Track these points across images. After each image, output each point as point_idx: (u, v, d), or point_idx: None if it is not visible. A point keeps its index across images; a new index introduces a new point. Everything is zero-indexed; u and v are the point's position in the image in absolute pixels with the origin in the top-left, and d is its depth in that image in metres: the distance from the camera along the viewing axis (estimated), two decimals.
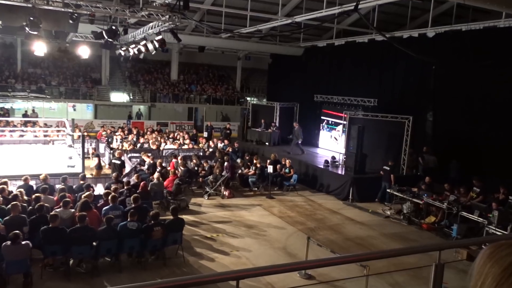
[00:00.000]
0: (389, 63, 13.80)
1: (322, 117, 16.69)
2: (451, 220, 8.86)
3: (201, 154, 13.83)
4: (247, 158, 13.27)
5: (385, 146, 12.46)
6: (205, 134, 17.83)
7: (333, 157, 13.63)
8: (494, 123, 10.54)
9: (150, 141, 13.77)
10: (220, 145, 15.18)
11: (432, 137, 12.88)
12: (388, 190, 11.13)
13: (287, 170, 12.11)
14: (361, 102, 14.48)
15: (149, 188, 8.15)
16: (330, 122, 16.19)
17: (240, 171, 12.35)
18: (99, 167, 10.22)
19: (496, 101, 10.44)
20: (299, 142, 14.96)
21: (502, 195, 8.64)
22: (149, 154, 11.00)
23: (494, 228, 7.52)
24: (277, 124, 17.62)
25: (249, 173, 12.12)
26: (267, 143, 17.01)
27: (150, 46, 10.25)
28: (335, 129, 15.97)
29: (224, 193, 10.95)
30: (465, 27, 10.97)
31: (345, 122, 13.67)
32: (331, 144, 16.39)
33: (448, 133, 12.24)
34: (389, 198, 11.18)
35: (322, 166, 12.96)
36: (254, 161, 12.48)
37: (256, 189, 11.79)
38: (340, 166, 13.12)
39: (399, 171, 12.18)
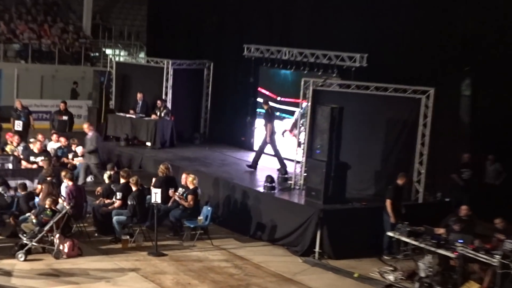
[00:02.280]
0: None
1: (260, 90, 18.13)
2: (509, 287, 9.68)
3: (10, 168, 14.25)
4: (109, 174, 13.69)
5: (385, 147, 13.55)
6: (17, 126, 17.92)
7: (282, 171, 14.77)
8: None
9: None
10: (52, 147, 15.79)
11: (471, 127, 14.33)
12: (389, 234, 11.76)
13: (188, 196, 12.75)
14: (336, 60, 15.52)
15: None
16: (276, 100, 17.46)
17: (96, 202, 13.02)
18: None
19: None
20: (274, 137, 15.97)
21: None
22: None
23: None
24: (168, 105, 18.93)
25: (114, 206, 12.56)
26: (148, 144, 18.38)
27: None
28: (284, 117, 17.38)
29: (61, 247, 11.39)
30: None
31: (304, 103, 14.46)
32: (277, 145, 17.41)
33: (502, 119, 13.64)
34: (389, 246, 12.18)
35: (261, 189, 13.95)
36: (123, 181, 12.86)
37: (128, 237, 12.40)
38: (297, 187, 14.14)
39: (409, 194, 13.23)
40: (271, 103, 16.95)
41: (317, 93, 14.13)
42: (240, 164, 16.69)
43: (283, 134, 17.39)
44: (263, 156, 16.28)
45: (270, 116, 16.13)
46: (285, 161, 15.57)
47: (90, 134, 15.58)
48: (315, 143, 13.26)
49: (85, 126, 16.12)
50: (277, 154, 15.95)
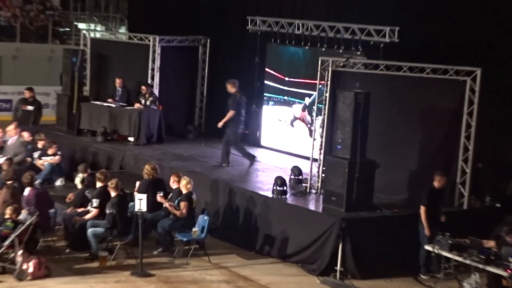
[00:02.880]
0: None
1: (267, 71, 18.50)
2: None
3: None
4: (82, 177, 13.85)
5: (421, 141, 13.69)
6: None
7: (295, 171, 14.78)
8: None
9: None
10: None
11: None
12: (427, 248, 11.94)
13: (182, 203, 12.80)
14: (361, 34, 15.67)
15: None
16: (283, 81, 17.96)
17: (67, 211, 13.15)
18: None
19: None
20: (239, 131, 16.31)
21: None
22: None
23: None
24: (155, 92, 19.19)
25: (89, 216, 12.66)
26: (131, 139, 18.53)
27: None
28: (298, 102, 17.70)
29: (25, 266, 11.37)
30: None
31: (322, 84, 14.57)
32: (289, 140, 17.68)
33: None
34: (426, 263, 12.32)
35: (269, 194, 14.07)
36: (99, 185, 12.96)
37: (107, 253, 12.48)
38: (313, 191, 14.39)
39: (452, 199, 13.36)
40: (276, 85, 17.27)
41: (338, 75, 14.27)
42: (244, 163, 16.80)
43: (292, 123, 17.49)
44: (272, 154, 16.33)
45: (238, 103, 16.29)
46: (299, 160, 15.72)
47: (13, 139, 15.67)
48: (335, 137, 13.34)
49: (10, 128, 16.06)
50: (226, 149, 16.35)
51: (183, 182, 13.09)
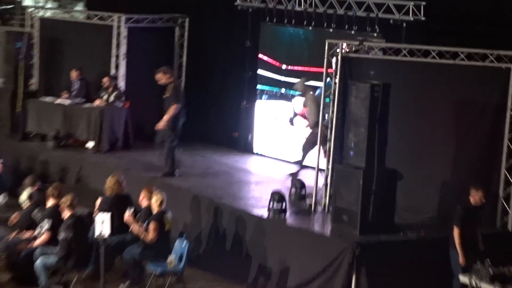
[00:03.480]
0: None
1: (260, 57, 18.80)
2: None
3: None
4: (29, 193, 13.91)
5: (453, 144, 13.75)
6: None
7: (297, 184, 14.91)
8: None
9: None
10: None
11: None
12: (461, 279, 11.75)
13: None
14: (379, 12, 15.74)
15: None
16: (280, 70, 18.24)
17: (9, 237, 13.24)
18: None
19: None
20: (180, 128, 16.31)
21: None
22: None
23: None
24: (121, 85, 19.37)
25: (38, 241, 12.69)
26: (91, 144, 18.68)
27: None
28: (292, 95, 17.99)
29: None
30: None
31: (329, 73, 14.58)
32: (288, 144, 17.95)
33: None
34: None
35: (264, 212, 14.04)
36: (51, 202, 12.97)
37: None
38: (319, 209, 14.50)
39: (493, 218, 13.34)
40: (272, 75, 17.30)
41: (349, 63, 14.32)
42: (233, 173, 16.86)
43: (291, 121, 17.65)
44: (267, 162, 16.33)
45: (180, 94, 16.50)
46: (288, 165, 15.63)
47: None
48: (346, 140, 13.35)
49: None
50: (169, 152, 16.42)
51: (154, 198, 13.00)
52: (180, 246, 12.90)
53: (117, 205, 13.15)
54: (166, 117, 15.98)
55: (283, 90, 18.04)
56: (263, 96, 18.80)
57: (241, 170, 16.91)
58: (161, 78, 16.46)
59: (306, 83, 16.71)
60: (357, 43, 14.50)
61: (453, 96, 13.84)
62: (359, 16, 15.88)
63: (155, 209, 12.99)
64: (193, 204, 14.69)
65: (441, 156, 13.85)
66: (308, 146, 16.27)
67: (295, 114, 17.62)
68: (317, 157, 14.70)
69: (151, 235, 12.65)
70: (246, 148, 18.52)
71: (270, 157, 17.82)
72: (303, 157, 16.41)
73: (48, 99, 19.60)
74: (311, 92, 16.69)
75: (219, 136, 19.52)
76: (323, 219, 14.04)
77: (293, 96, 17.92)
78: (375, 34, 15.63)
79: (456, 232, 12.18)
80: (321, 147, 14.73)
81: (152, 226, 12.65)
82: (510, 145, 13.33)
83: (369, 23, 15.76)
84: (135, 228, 12.84)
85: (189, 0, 20.57)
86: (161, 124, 16.07)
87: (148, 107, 19.71)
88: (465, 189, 12.65)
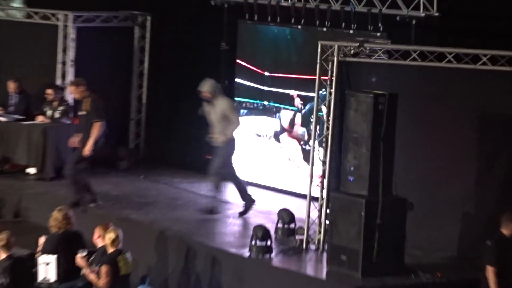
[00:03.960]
0: None
1: (238, 63, 18.83)
2: None
3: None
4: None
5: (477, 165, 13.64)
6: None
7: (284, 216, 14.86)
8: None
9: None
10: None
11: None
12: None
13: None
14: (383, 7, 15.59)
15: None
16: (263, 78, 18.22)
17: None
18: None
19: None
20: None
21: None
22: None
23: None
24: (68, 98, 19.17)
25: None
26: (32, 170, 18.55)
27: None
28: (285, 108, 18.04)
29: None
30: None
31: (324, 81, 14.47)
32: (274, 167, 18.04)
33: None
34: None
35: (245, 252, 13.99)
36: None
37: None
38: (312, 247, 14.37)
39: None
40: (252, 84, 17.33)
41: (347, 68, 14.31)
42: (206, 204, 16.64)
43: (277, 137, 17.68)
44: (250, 190, 16.23)
45: (98, 110, 16.41)
46: (290, 199, 15.53)
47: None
48: (345, 163, 13.29)
49: None
50: (77, 182, 16.34)
51: (108, 236, 12.79)
52: None
53: (65, 244, 12.93)
54: (91, 141, 16.02)
55: (266, 103, 17.86)
56: (242, 111, 18.58)
57: (216, 200, 16.63)
58: (75, 91, 16.57)
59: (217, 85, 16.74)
60: (356, 44, 14.35)
61: (474, 108, 13.72)
62: (358, 12, 15.88)
63: (109, 249, 12.80)
64: (158, 242, 14.59)
65: (461, 180, 13.74)
66: (221, 167, 16.28)
67: (282, 129, 17.47)
68: (309, 183, 14.56)
69: (102, 280, 12.44)
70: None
71: (252, 183, 17.59)
72: (218, 186, 16.54)
73: None
74: (225, 98, 16.72)
75: (189, 159, 19.45)
76: (317, 259, 14.00)
77: (278, 109, 17.82)
78: (379, 34, 15.58)
79: (490, 272, 11.91)
80: (312, 170, 14.56)
81: (103, 269, 12.41)
82: None
83: (371, 21, 15.75)
84: (87, 272, 12.64)
85: None
86: (87, 149, 16.09)
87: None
88: (495, 219, 12.58)
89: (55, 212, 13.52)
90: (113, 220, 13.87)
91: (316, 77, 14.40)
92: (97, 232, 13.18)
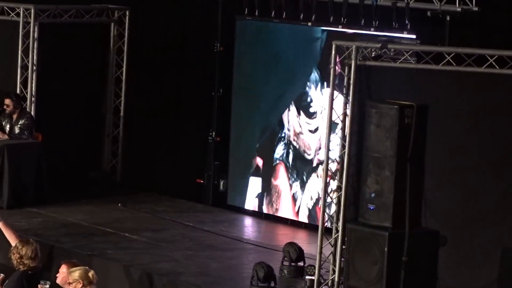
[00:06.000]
0: None
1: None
2: None
3: None
4: None
5: None
6: None
7: (291, 252, 15.03)
8: None
9: None
10: None
11: None
12: None
13: None
14: (410, 1, 15.74)
15: None
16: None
17: None
18: None
19: None
20: None
21: None
22: None
23: None
24: (30, 109, 19.52)
25: None
26: None
27: None
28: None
29: None
30: None
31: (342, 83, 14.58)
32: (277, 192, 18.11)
33: None
34: None
35: None
36: None
37: None
38: None
39: None
40: None
41: (368, 74, 14.41)
42: (197, 238, 16.90)
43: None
44: (247, 219, 16.36)
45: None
46: (297, 231, 15.65)
47: None
48: (364, 189, 13.35)
49: None
50: None
51: (73, 276, 12.86)
52: None
53: (28, 284, 13.04)
54: None
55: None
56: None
57: (208, 232, 16.80)
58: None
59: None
60: (378, 45, 14.45)
61: None
62: (381, 6, 16.00)
63: None
64: (141, 283, 14.66)
65: (504, 211, 13.72)
66: None
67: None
68: (322, 213, 14.67)
69: None
70: (216, 200, 18.48)
71: (252, 212, 17.70)
72: None
73: None
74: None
75: (177, 184, 19.53)
76: None
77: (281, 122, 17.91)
78: (405, 33, 15.67)
79: None
80: (326, 197, 14.66)
81: None
82: None
83: (396, 17, 15.89)
84: None
85: None
86: None
87: (70, 142, 19.77)
88: None
89: (15, 246, 13.64)
90: (81, 257, 13.97)
91: (330, 85, 14.53)
92: (62, 270, 13.24)
